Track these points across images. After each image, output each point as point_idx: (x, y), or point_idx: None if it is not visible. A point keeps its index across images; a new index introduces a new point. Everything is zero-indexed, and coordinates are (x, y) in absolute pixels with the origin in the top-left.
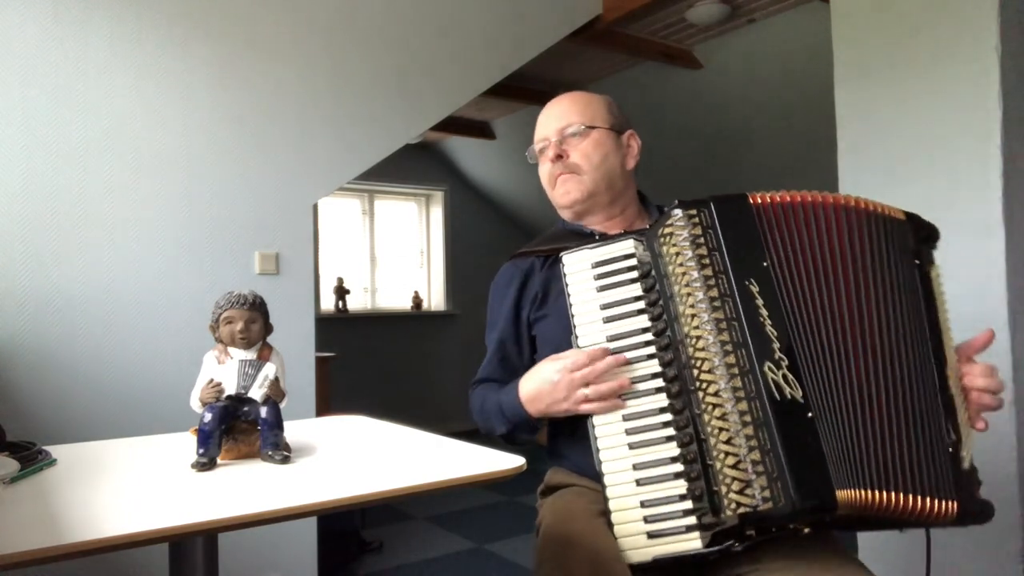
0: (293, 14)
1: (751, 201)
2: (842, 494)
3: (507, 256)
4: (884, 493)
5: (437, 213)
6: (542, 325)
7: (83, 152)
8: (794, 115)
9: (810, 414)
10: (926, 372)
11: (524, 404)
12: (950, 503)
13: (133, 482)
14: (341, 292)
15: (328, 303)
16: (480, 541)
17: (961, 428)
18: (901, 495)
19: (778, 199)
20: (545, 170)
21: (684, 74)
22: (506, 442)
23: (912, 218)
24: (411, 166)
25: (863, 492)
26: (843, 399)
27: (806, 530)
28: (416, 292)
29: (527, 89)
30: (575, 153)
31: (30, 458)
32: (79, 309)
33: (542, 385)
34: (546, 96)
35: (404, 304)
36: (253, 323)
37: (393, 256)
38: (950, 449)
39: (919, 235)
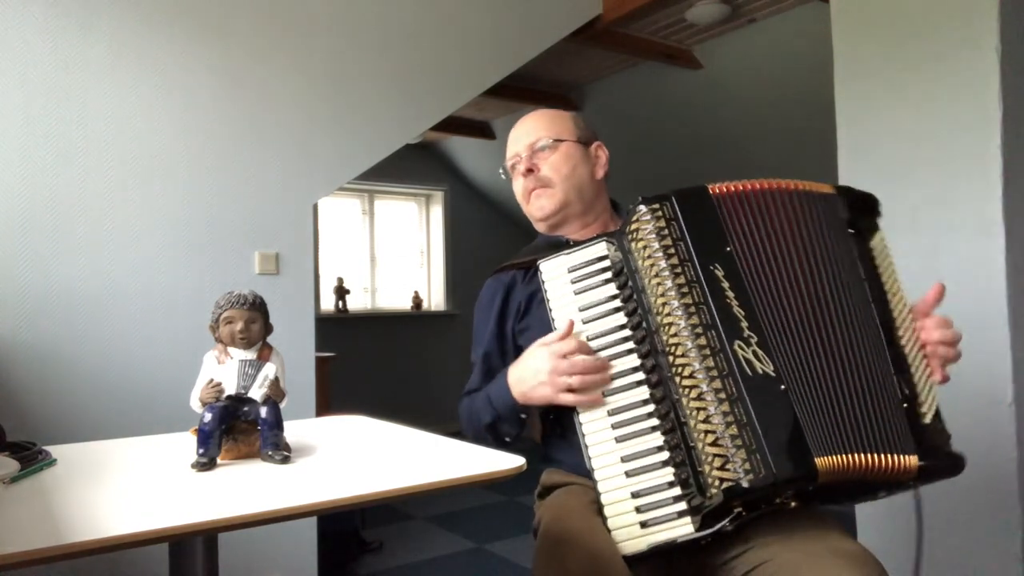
0: (294, 14)
1: (711, 191)
2: (821, 461)
3: (507, 256)
4: (860, 455)
5: (437, 213)
6: (525, 336)
7: (83, 152)
8: (794, 115)
9: (783, 386)
10: (870, 332)
11: (511, 387)
12: (909, 458)
13: (133, 482)
14: (341, 292)
15: (328, 303)
16: (480, 541)
17: (919, 383)
18: (872, 455)
19: (734, 188)
20: (519, 185)
21: (684, 74)
22: (493, 438)
23: (842, 191)
24: (411, 166)
25: (841, 457)
26: (811, 370)
27: (792, 504)
28: (416, 292)
29: (527, 89)
30: (545, 166)
31: (30, 458)
32: (79, 309)
33: (527, 365)
34: (546, 96)
35: (404, 304)
36: (253, 323)
37: (393, 256)
38: (904, 404)
39: (853, 206)
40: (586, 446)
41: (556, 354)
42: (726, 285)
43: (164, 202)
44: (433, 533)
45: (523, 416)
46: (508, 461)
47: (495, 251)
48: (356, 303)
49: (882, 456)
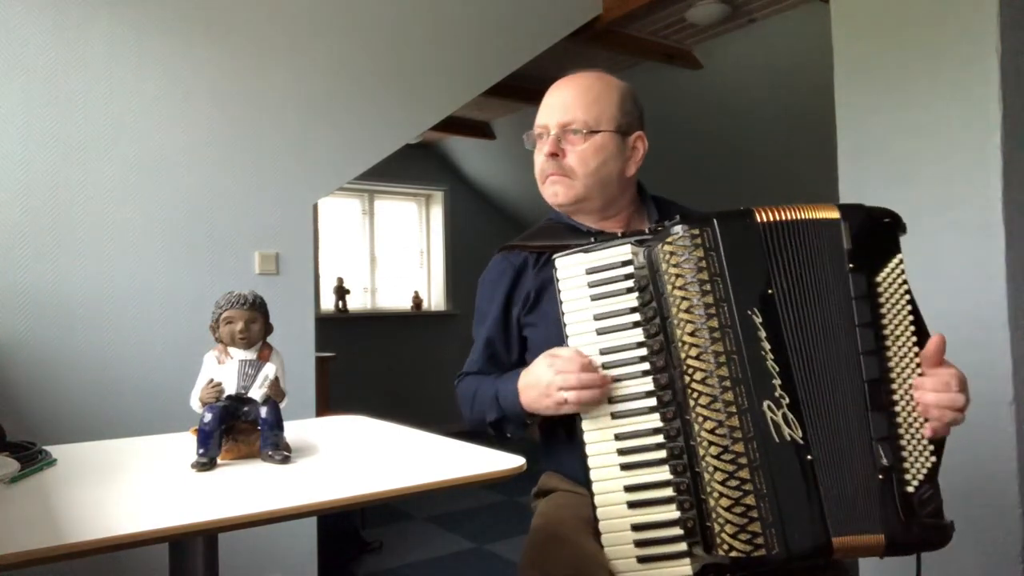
0: (294, 14)
1: (757, 219)
2: (838, 540)
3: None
4: (871, 536)
5: (437, 213)
6: (533, 331)
7: (83, 152)
8: (794, 115)
9: (810, 456)
10: (854, 392)
11: (520, 392)
12: (874, 537)
13: (133, 482)
14: (341, 292)
15: (328, 303)
16: (480, 541)
17: (907, 447)
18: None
19: (783, 217)
20: (538, 162)
21: (684, 74)
22: (494, 433)
23: (848, 213)
24: (411, 166)
25: (858, 537)
26: (830, 436)
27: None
28: (416, 292)
29: (527, 89)
30: (572, 155)
31: (30, 458)
32: (79, 309)
33: (533, 377)
34: None
35: (404, 304)
36: (253, 323)
37: (393, 256)
38: (880, 476)
39: (861, 231)
40: (588, 468)
41: (559, 370)
42: (763, 335)
43: (164, 202)
44: (433, 533)
45: (528, 422)
46: (508, 461)
47: (495, 251)
48: (356, 303)
49: (843, 539)
